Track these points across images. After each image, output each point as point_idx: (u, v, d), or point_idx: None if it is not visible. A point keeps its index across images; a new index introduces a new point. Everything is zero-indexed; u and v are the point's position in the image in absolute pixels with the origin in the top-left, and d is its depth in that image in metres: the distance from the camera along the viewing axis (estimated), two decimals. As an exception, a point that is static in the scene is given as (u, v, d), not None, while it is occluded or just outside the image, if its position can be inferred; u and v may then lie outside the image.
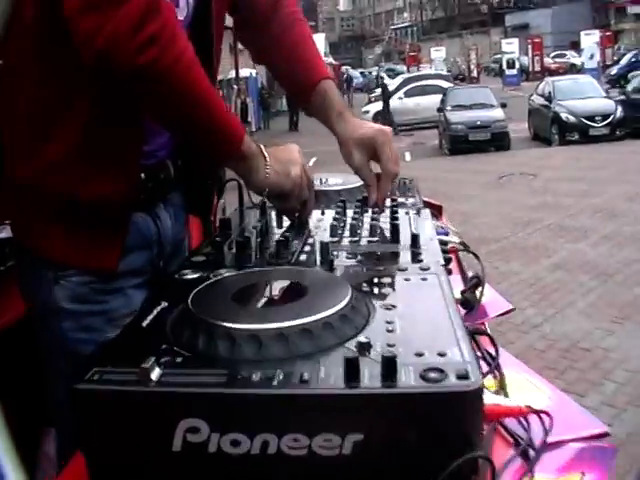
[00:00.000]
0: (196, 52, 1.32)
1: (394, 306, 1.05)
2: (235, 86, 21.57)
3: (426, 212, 1.67)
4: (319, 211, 1.66)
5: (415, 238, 1.35)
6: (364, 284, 1.15)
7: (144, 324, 1.03)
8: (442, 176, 15.05)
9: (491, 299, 1.58)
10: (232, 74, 25.90)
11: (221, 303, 1.03)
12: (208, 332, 0.92)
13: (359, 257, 1.30)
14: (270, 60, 1.83)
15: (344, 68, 51.86)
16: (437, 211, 2.25)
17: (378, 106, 27.83)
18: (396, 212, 1.53)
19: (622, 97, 20.49)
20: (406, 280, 1.17)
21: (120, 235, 1.44)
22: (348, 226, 1.49)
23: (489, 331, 1.38)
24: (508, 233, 9.71)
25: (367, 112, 27.31)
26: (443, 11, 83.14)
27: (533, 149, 18.96)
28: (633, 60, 37.37)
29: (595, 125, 18.59)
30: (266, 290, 1.12)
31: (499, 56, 46.86)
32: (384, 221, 1.53)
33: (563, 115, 19.01)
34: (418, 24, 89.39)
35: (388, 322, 0.98)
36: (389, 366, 0.82)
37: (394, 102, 27.53)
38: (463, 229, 10.03)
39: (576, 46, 46.10)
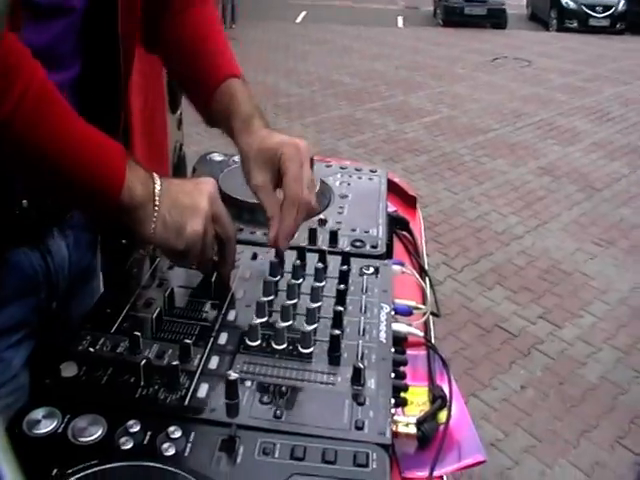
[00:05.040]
0: (100, 45, 1.08)
1: None
2: None
3: (387, 272, 1.28)
4: (250, 253, 1.31)
5: (357, 374, 0.98)
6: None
7: None
8: (434, 50, 14.59)
9: (459, 432, 1.12)
10: None
11: None
12: None
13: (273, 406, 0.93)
14: (162, 55, 1.37)
15: None
16: (411, 204, 1.91)
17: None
18: (344, 293, 1.16)
19: (626, -11, 19.74)
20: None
21: None
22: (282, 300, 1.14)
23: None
24: (496, 125, 9.31)
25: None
26: None
27: (530, 32, 18.23)
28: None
29: (595, 15, 17.98)
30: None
31: None
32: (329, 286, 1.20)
33: (563, 0, 18.23)
34: None
35: None
36: None
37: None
38: (452, 113, 9.71)
39: None
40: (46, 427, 0.86)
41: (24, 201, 1.08)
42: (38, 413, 0.88)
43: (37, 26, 0.95)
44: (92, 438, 0.85)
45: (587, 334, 4.54)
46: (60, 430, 0.86)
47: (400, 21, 19.16)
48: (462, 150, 8.18)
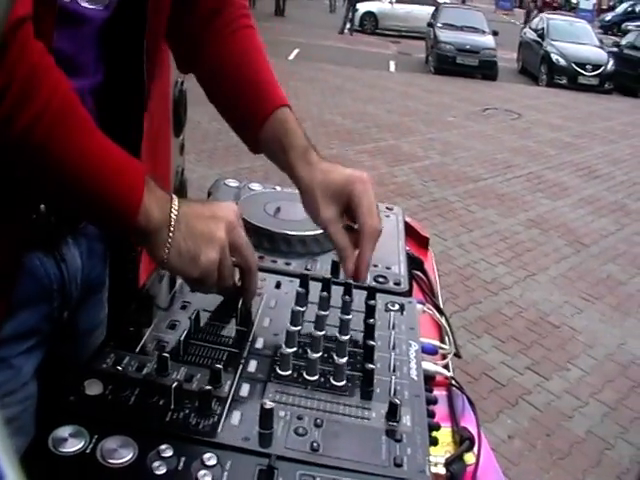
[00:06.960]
0: (124, 55, 1.11)
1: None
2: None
3: (412, 309, 1.26)
4: (273, 282, 1.28)
5: (393, 410, 0.95)
6: None
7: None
8: (425, 96, 14.71)
9: (486, 475, 1.11)
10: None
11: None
12: None
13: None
14: (203, 77, 1.34)
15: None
16: (422, 244, 1.94)
17: (367, 6, 26.76)
18: (373, 327, 1.13)
19: (615, 49, 20.15)
20: None
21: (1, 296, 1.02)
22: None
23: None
24: (486, 175, 9.37)
25: (357, 10, 26.10)
26: None
27: (520, 85, 18.46)
28: (629, 10, 37.29)
29: (585, 73, 18.28)
30: None
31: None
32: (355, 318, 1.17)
33: (554, 56, 18.69)
34: None
35: None
36: None
37: (384, 5, 26.68)
38: (442, 160, 9.76)
39: (574, -17, 45.14)
40: (74, 446, 0.83)
41: (42, 206, 1.06)
42: (64, 431, 0.85)
43: (61, 33, 0.94)
44: (123, 460, 0.81)
45: (574, 388, 4.54)
46: (89, 450, 0.83)
47: (392, 66, 19.34)
48: (452, 197, 8.22)
